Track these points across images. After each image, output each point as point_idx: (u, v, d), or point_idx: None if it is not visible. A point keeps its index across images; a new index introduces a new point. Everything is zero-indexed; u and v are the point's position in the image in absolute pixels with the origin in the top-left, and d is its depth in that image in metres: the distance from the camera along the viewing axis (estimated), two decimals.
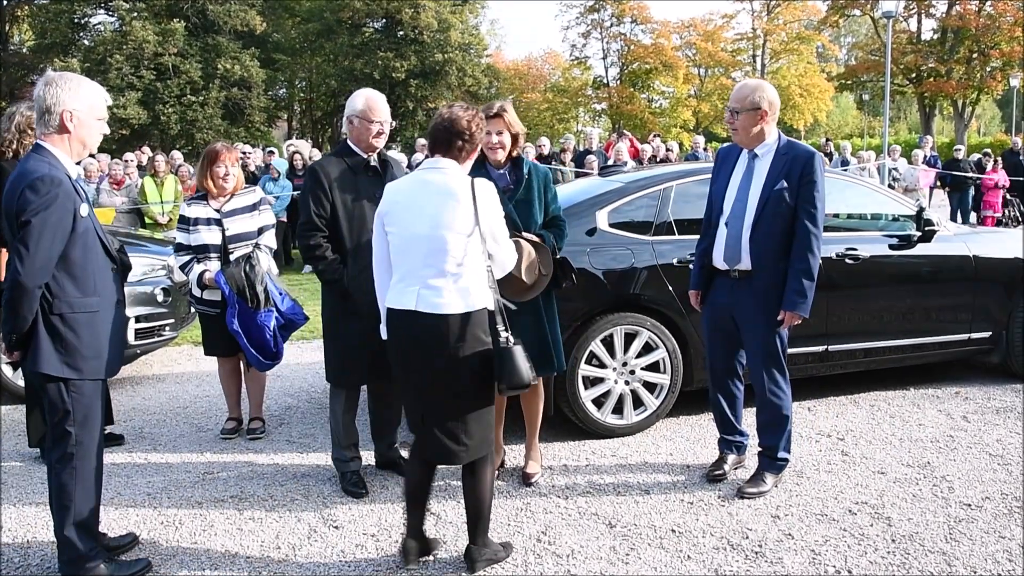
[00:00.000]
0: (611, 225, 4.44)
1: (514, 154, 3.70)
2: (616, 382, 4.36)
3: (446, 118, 2.91)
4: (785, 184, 3.49)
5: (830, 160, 14.95)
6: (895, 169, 13.53)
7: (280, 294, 4.42)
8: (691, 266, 4.01)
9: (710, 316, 3.81)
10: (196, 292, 4.41)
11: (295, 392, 5.49)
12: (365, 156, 3.68)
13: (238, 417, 4.68)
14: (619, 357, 4.34)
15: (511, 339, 2.85)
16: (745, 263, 3.60)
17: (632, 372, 4.38)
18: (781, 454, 3.72)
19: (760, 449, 3.78)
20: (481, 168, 3.66)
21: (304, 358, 6.36)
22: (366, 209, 3.58)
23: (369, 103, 3.67)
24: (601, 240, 4.36)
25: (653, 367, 4.41)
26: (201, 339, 4.70)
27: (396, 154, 13.59)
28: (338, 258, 3.58)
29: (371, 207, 3.57)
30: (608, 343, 4.32)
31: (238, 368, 4.63)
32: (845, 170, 12.27)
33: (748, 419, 4.00)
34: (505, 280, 3.16)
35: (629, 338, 4.35)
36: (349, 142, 3.72)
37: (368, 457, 4.05)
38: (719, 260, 3.69)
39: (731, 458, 3.92)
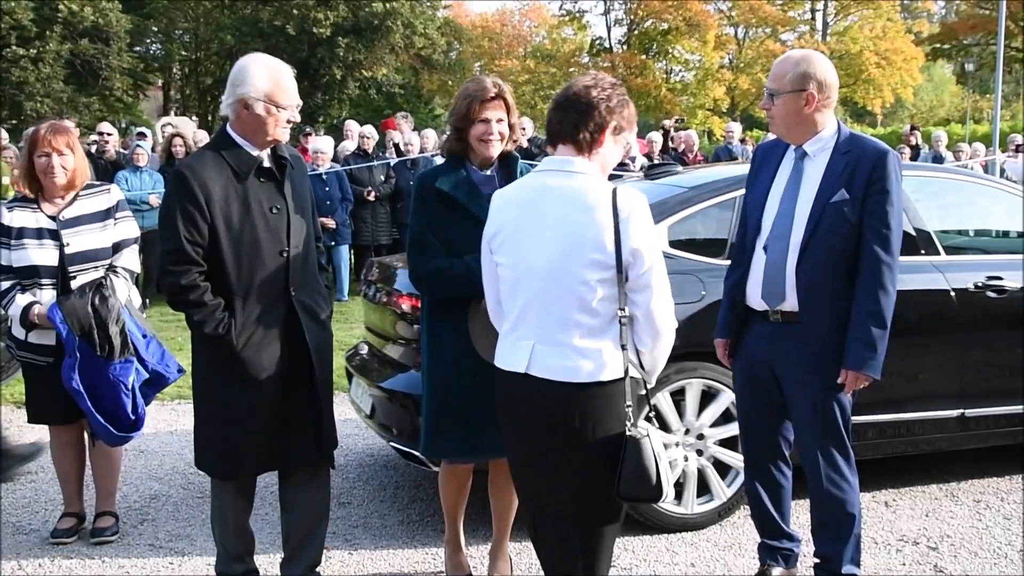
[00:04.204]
0: (672, 244, 4.50)
1: (507, 148, 3.76)
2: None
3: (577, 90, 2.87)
4: (846, 194, 3.54)
5: (917, 156, 15.25)
6: None
7: (144, 337, 4.40)
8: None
9: (744, 374, 3.85)
10: (18, 334, 4.37)
11: (164, 474, 5.44)
12: (256, 154, 3.58)
13: (78, 512, 4.63)
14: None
15: (641, 426, 2.81)
16: (790, 302, 3.64)
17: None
18: (846, 568, 3.73)
19: (817, 561, 3.79)
20: (460, 168, 3.71)
21: (180, 424, 6.32)
22: (259, 231, 3.49)
23: (277, 80, 3.52)
24: None
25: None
26: (24, 400, 4.63)
27: (322, 140, 13.56)
28: (221, 303, 3.48)
29: (265, 227, 3.51)
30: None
31: (80, 440, 4.59)
32: None
33: (800, 516, 4.02)
34: (484, 335, 3.25)
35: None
36: (232, 133, 3.57)
37: (268, 565, 4.01)
38: (755, 298, 3.74)
39: (777, 571, 3.94)
